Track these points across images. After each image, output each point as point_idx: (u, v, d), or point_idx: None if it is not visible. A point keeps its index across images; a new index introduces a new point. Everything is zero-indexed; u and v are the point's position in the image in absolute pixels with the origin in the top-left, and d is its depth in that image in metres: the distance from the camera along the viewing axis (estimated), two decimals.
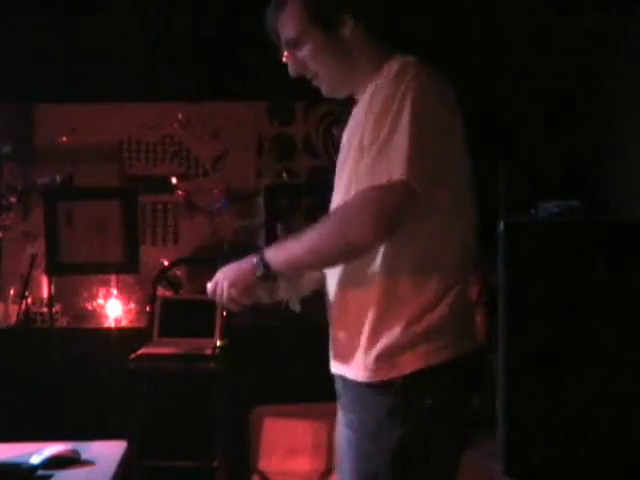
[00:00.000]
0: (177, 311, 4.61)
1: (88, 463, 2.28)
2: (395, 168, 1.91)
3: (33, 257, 4.79)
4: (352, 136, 2.10)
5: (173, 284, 4.85)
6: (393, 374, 2.01)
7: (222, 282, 2.17)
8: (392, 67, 2.03)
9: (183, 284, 4.91)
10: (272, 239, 4.85)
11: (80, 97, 4.80)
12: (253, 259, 2.08)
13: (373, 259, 2.03)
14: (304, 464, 4.44)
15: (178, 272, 4.91)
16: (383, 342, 2.03)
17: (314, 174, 4.78)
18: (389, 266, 2.03)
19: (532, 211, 3.51)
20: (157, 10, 4.77)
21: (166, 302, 4.65)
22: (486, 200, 2.37)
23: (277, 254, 2.06)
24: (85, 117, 4.89)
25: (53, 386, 4.64)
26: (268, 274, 2.07)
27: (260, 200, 4.90)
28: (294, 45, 2.14)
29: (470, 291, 2.18)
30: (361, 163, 2.00)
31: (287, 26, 2.14)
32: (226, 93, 4.87)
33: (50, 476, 2.16)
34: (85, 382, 4.67)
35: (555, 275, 3.12)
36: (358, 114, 2.12)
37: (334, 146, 4.80)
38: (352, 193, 2.02)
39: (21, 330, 4.81)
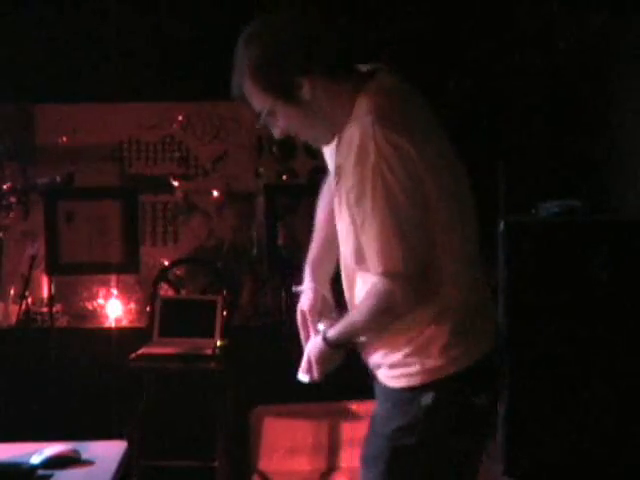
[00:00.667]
0: (177, 311, 4.61)
1: (88, 463, 2.28)
2: (387, 262, 2.06)
3: (33, 257, 4.79)
4: (341, 173, 2.17)
5: (173, 284, 4.85)
6: (402, 384, 2.18)
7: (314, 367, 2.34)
8: (354, 136, 2.06)
9: (183, 284, 4.91)
10: (272, 240, 4.85)
11: (80, 97, 4.80)
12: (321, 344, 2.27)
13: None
14: (304, 464, 4.44)
15: (178, 272, 4.91)
16: (394, 355, 2.19)
17: (314, 175, 4.78)
18: None
19: (532, 211, 3.51)
20: (157, 10, 4.77)
21: (166, 302, 4.65)
22: (486, 200, 2.38)
23: (338, 338, 2.24)
24: (85, 117, 4.89)
25: (53, 386, 4.64)
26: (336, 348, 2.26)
27: (260, 200, 4.90)
28: (267, 114, 2.18)
29: (483, 292, 2.27)
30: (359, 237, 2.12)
31: (252, 101, 2.19)
32: (226, 93, 4.87)
33: (50, 476, 2.16)
34: (85, 382, 4.66)
35: (555, 274, 3.12)
36: (341, 156, 2.17)
37: None
38: (352, 243, 2.16)
39: (21, 330, 4.81)
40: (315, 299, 2.34)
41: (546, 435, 2.84)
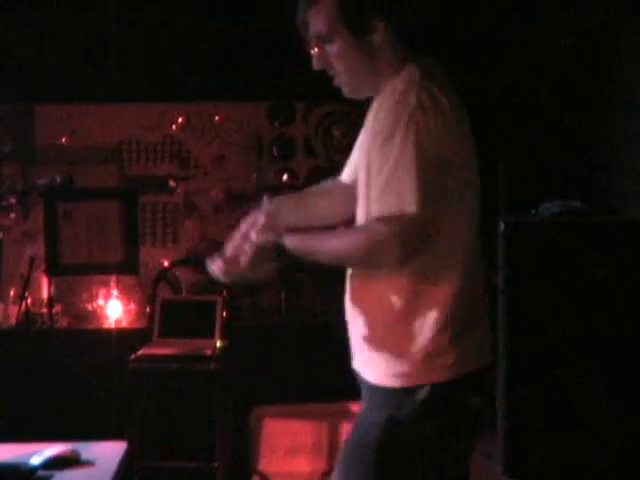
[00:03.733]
0: (177, 312, 4.61)
1: (88, 464, 2.28)
2: (406, 200, 2.01)
3: (33, 258, 4.79)
4: (363, 149, 2.19)
5: (173, 285, 4.85)
6: (400, 384, 2.13)
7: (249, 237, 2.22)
8: (397, 86, 2.10)
9: (183, 285, 4.91)
10: None
11: (80, 98, 4.80)
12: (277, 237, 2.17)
13: (393, 272, 2.12)
14: (304, 465, 4.44)
15: (178, 273, 4.91)
16: (395, 354, 2.14)
17: (314, 175, 4.79)
18: (406, 280, 2.12)
19: (532, 211, 3.51)
20: (157, 10, 4.77)
21: (166, 303, 4.65)
22: (486, 200, 2.38)
23: (297, 244, 2.16)
24: (85, 118, 4.89)
25: (53, 387, 4.64)
26: (281, 251, 2.17)
27: (260, 201, 4.90)
28: (323, 40, 2.18)
29: (481, 301, 2.26)
30: (371, 187, 2.10)
31: (319, 21, 2.17)
32: (226, 94, 4.88)
33: (50, 477, 2.16)
34: (85, 383, 4.66)
35: (555, 275, 3.12)
36: (369, 124, 2.20)
37: (333, 147, 4.81)
38: (365, 213, 2.14)
39: (21, 331, 4.81)
40: (270, 215, 2.26)
41: (546, 435, 2.83)
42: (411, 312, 2.12)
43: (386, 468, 2.14)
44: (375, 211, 2.07)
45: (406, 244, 2.03)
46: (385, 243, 2.03)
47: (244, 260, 2.20)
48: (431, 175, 2.02)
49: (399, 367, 2.13)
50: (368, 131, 2.19)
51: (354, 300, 2.23)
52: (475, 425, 2.22)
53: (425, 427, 2.12)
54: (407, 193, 2.00)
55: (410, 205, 2.00)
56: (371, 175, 2.09)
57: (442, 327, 2.12)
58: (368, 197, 2.12)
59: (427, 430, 2.12)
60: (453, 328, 2.12)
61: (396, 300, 2.13)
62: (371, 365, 2.20)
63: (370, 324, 2.19)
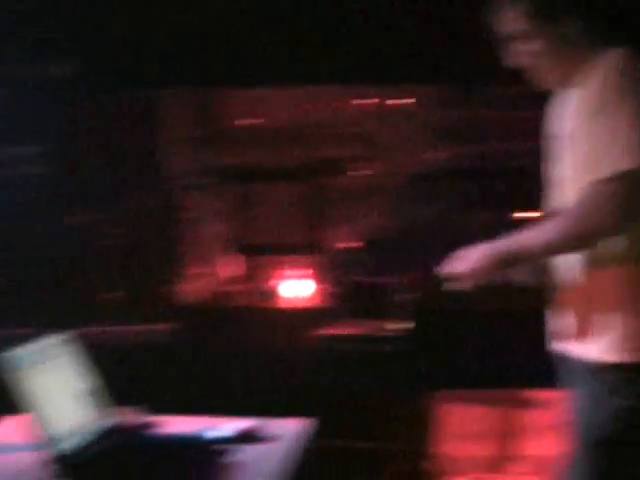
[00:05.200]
0: (364, 292, 4.63)
1: (271, 439, 2.31)
2: (620, 159, 2.02)
3: (221, 237, 4.92)
4: (565, 129, 2.20)
5: (358, 266, 4.87)
6: (624, 359, 2.11)
7: (464, 264, 2.33)
8: (602, 60, 2.15)
9: (369, 266, 4.91)
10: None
11: (265, 82, 4.85)
12: (489, 249, 2.24)
13: (615, 247, 2.13)
14: (480, 450, 4.39)
15: (364, 254, 4.92)
16: (620, 327, 2.12)
17: (493, 159, 4.70)
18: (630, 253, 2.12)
19: None
20: None
21: (352, 284, 4.68)
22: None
23: (511, 246, 2.21)
24: (269, 101, 4.97)
25: (234, 365, 4.73)
26: (502, 265, 2.24)
27: (443, 182, 4.87)
28: (518, 38, 2.26)
29: None
30: (578, 156, 2.11)
31: (517, 20, 2.26)
32: (403, 77, 4.82)
33: (226, 451, 2.19)
34: (269, 362, 4.73)
35: None
36: (571, 106, 2.21)
37: (512, 131, 4.69)
38: (573, 186, 2.13)
39: (213, 310, 4.91)
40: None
41: None
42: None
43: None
44: (588, 180, 2.06)
45: (619, 206, 2.01)
46: (605, 202, 2.02)
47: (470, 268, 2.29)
48: None
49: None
50: (567, 117, 2.20)
51: (570, 279, 2.22)
52: None
53: None
54: (622, 151, 2.01)
55: (625, 162, 2.01)
56: (577, 153, 2.10)
57: None
58: (574, 167, 2.12)
59: None
60: None
61: (613, 277, 2.13)
62: (584, 341, 2.17)
63: (586, 300, 2.17)
